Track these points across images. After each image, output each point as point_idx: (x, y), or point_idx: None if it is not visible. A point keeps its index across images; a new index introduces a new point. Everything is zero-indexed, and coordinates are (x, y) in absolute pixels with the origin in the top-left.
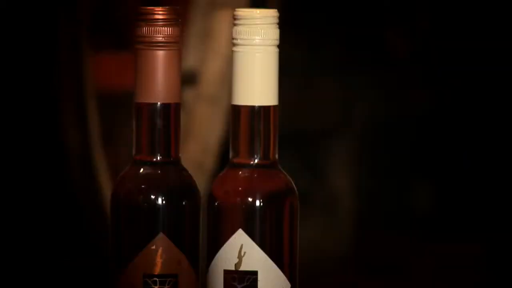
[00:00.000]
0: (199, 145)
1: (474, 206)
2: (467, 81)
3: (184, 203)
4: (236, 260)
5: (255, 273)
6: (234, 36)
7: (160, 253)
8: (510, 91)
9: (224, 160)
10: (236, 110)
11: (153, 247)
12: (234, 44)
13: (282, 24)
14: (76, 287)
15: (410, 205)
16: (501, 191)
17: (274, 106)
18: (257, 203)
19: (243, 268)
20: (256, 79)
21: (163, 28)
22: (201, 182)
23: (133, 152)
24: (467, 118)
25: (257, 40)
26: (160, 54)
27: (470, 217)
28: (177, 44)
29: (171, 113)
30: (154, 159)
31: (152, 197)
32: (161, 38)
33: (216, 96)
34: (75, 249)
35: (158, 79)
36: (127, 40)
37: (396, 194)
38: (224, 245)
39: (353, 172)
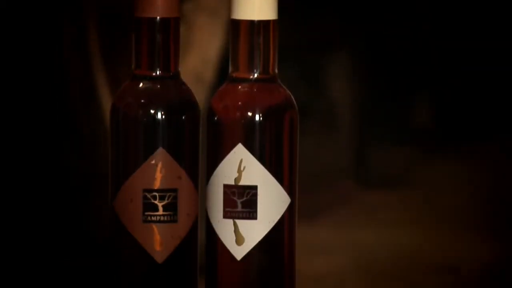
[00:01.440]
0: (199, 57)
1: (472, 117)
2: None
3: (183, 117)
4: (236, 175)
5: (254, 187)
6: None
7: (159, 167)
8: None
9: (224, 73)
10: (236, 25)
11: (153, 161)
12: None
13: None
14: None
15: (409, 117)
16: (499, 101)
17: (273, 21)
18: (257, 117)
19: (242, 182)
20: None
21: None
22: (200, 95)
23: (133, 66)
24: (467, 35)
25: None
26: None
27: (468, 128)
28: None
29: (171, 27)
30: (154, 74)
31: (152, 111)
32: None
33: (216, 7)
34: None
35: None
36: None
37: (396, 106)
38: (224, 160)
39: (353, 85)
